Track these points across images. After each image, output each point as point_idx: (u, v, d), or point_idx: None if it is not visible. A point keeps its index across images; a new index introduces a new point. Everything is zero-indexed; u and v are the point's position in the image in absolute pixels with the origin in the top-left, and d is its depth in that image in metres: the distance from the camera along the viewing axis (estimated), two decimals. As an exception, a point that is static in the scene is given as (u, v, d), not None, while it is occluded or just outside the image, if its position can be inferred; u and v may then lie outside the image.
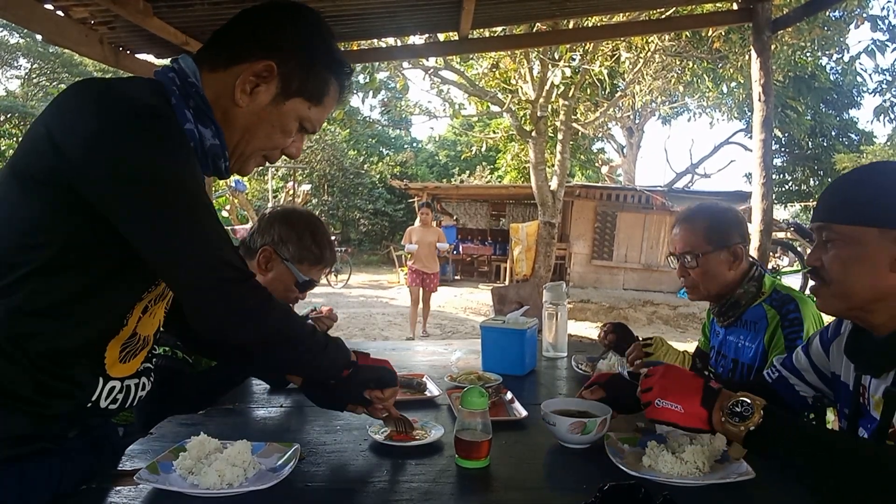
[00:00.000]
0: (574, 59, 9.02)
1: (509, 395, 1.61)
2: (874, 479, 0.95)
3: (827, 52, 12.51)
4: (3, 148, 14.18)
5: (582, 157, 19.62)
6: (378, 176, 22.70)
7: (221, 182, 14.13)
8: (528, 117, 10.13)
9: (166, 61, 4.22)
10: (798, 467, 1.02)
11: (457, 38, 4.34)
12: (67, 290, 0.95)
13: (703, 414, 1.07)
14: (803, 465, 1.01)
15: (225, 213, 14.38)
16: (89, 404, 1.02)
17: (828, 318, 1.36)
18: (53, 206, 0.92)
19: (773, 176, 4.26)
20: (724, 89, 13.07)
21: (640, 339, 1.91)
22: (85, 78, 1.03)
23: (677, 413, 1.09)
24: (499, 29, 6.79)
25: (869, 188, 1.10)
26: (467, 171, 23.79)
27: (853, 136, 20.67)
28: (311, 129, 1.13)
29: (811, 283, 1.20)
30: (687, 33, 9.46)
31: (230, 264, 0.98)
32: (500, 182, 20.68)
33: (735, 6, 4.45)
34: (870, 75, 17.36)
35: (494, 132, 14.90)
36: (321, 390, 1.30)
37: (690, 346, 2.23)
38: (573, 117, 10.61)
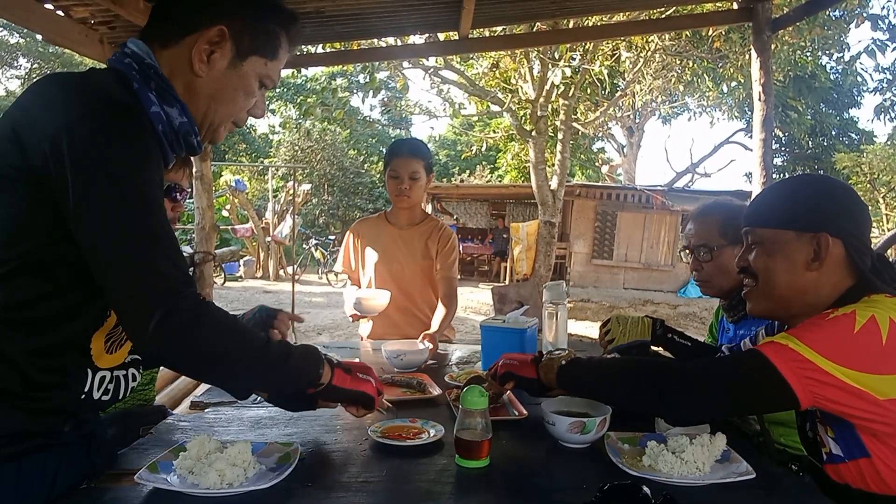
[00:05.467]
0: (574, 59, 9.02)
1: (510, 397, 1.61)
2: (625, 378, 1.22)
3: (827, 52, 12.52)
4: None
5: (582, 156, 19.62)
6: (378, 175, 22.68)
7: (222, 181, 14.16)
8: (528, 117, 10.13)
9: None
10: (595, 387, 1.27)
11: (457, 37, 4.35)
12: (50, 284, 0.96)
13: (534, 367, 1.34)
14: (599, 386, 1.26)
15: (225, 213, 14.38)
16: (83, 396, 1.03)
17: None
18: (26, 202, 0.93)
19: (774, 175, 4.26)
20: (725, 89, 13.05)
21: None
22: (51, 73, 1.03)
23: (515, 365, 1.37)
24: (499, 28, 6.79)
25: (788, 197, 1.24)
26: (467, 171, 23.79)
27: (853, 135, 20.68)
28: (271, 85, 1.15)
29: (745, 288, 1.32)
30: (687, 33, 9.45)
31: (165, 275, 0.93)
32: (500, 181, 20.68)
33: (735, 6, 4.45)
34: (870, 74, 17.36)
35: (494, 132, 14.91)
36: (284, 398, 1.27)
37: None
38: (573, 117, 10.60)
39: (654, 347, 1.80)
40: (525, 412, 1.47)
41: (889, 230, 14.21)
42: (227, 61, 1.07)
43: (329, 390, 1.17)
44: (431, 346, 2.08)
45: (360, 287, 2.52)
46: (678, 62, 10.89)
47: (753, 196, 4.26)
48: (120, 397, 1.12)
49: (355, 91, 11.64)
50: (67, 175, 0.89)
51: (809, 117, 17.93)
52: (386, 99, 14.83)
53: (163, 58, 1.05)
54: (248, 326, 1.05)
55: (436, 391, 1.65)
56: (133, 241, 0.92)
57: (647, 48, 9.82)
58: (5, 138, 0.93)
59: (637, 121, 19.26)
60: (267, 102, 1.49)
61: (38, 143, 0.90)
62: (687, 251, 1.88)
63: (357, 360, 1.90)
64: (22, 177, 0.92)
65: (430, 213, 2.45)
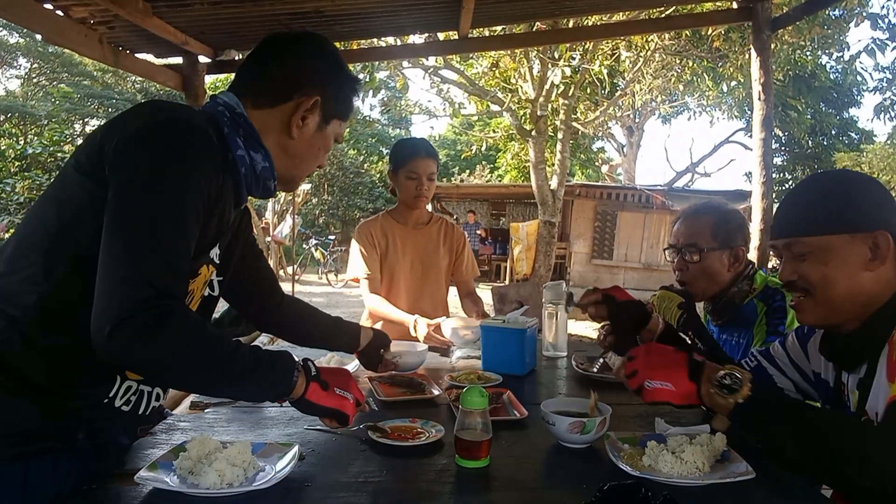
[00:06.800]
0: (574, 59, 9.01)
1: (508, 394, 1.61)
2: (853, 449, 0.98)
3: (827, 51, 12.49)
4: (2, 147, 14.17)
5: (582, 156, 19.62)
6: (378, 175, 22.68)
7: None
8: (527, 116, 10.12)
9: (166, 60, 4.23)
10: (781, 440, 1.05)
11: (456, 37, 4.34)
12: (92, 283, 0.96)
13: (693, 388, 1.09)
14: (787, 438, 1.04)
15: (225, 213, 14.34)
16: (105, 400, 1.05)
17: None
18: (92, 199, 0.97)
19: (774, 175, 4.26)
20: (724, 88, 13.05)
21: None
22: (154, 99, 1.12)
23: (670, 391, 1.10)
24: (498, 28, 6.78)
25: (831, 199, 1.16)
26: (467, 171, 23.81)
27: (853, 134, 20.69)
28: (340, 140, 1.32)
29: (790, 298, 1.23)
30: (687, 32, 9.44)
31: (151, 285, 0.93)
32: (500, 181, 20.68)
33: (735, 5, 4.44)
34: (870, 74, 17.36)
35: (494, 131, 14.90)
36: None
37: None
38: (573, 116, 10.60)
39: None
40: (525, 412, 1.47)
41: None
42: (316, 125, 1.21)
43: (301, 403, 1.14)
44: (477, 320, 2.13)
45: (379, 294, 2.43)
46: (678, 62, 10.88)
47: (753, 192, 4.26)
48: (140, 412, 1.12)
49: (355, 91, 11.61)
50: (114, 176, 0.96)
51: (809, 116, 17.92)
52: (386, 98, 14.82)
53: (253, 115, 1.16)
54: (218, 334, 1.04)
55: (436, 391, 1.65)
56: (137, 243, 0.94)
57: (646, 48, 9.81)
58: (95, 138, 1.02)
59: (637, 120, 19.26)
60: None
61: (110, 148, 0.98)
62: (672, 250, 1.84)
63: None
64: (94, 172, 0.98)
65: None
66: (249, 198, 1.24)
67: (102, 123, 1.06)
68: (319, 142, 1.24)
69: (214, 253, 1.18)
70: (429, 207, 2.59)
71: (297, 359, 1.15)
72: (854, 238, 1.12)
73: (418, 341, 2.12)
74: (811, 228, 1.16)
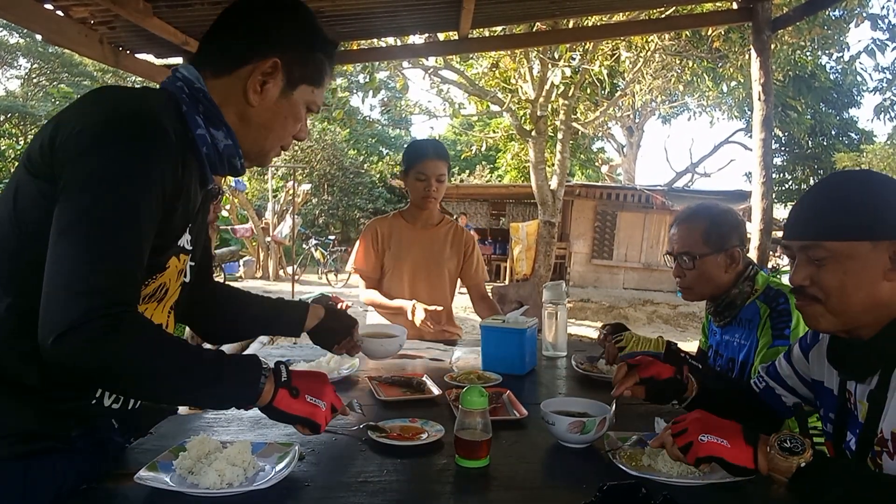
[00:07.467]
0: (574, 59, 9.01)
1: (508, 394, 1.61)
2: None
3: (827, 52, 12.51)
4: (2, 147, 14.17)
5: (582, 156, 19.64)
6: (378, 175, 22.68)
7: (221, 182, 14.15)
8: (527, 117, 10.12)
9: (166, 61, 4.23)
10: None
11: (456, 37, 4.35)
12: None
13: (749, 451, 1.03)
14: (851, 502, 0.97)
15: (225, 213, 14.38)
16: (94, 400, 1.04)
17: None
18: (48, 202, 0.93)
19: (774, 175, 4.26)
20: (724, 88, 13.06)
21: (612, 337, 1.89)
22: (108, 85, 1.07)
23: (724, 447, 1.04)
24: (498, 28, 6.78)
25: (858, 203, 1.09)
26: (467, 171, 23.81)
27: (853, 135, 20.72)
28: (316, 110, 1.20)
29: (798, 302, 1.18)
30: (687, 32, 9.45)
31: (101, 291, 0.89)
32: (500, 181, 20.69)
33: (735, 5, 4.45)
34: (870, 74, 17.39)
35: (494, 132, 14.89)
36: None
37: (690, 346, 2.23)
38: (573, 117, 10.59)
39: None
40: (525, 412, 1.47)
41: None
42: (279, 91, 1.12)
43: (269, 410, 1.10)
44: None
45: (375, 288, 2.51)
46: (678, 62, 10.89)
47: (753, 192, 4.26)
48: (129, 407, 1.12)
49: (355, 91, 11.63)
50: (64, 174, 0.92)
51: (809, 117, 17.94)
52: (386, 99, 14.82)
53: (214, 86, 1.09)
54: (178, 339, 1.00)
55: (436, 391, 1.65)
56: (88, 248, 0.89)
57: (646, 48, 9.81)
58: (46, 131, 0.97)
59: (637, 120, 19.27)
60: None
61: (62, 141, 0.93)
62: (671, 256, 1.85)
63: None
64: (45, 171, 0.94)
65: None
66: (247, 194, 1.22)
67: (48, 121, 0.99)
68: (286, 109, 1.14)
69: (185, 240, 1.13)
70: None
71: (266, 363, 1.09)
72: (877, 246, 1.06)
73: (404, 329, 2.02)
74: (834, 233, 1.08)
